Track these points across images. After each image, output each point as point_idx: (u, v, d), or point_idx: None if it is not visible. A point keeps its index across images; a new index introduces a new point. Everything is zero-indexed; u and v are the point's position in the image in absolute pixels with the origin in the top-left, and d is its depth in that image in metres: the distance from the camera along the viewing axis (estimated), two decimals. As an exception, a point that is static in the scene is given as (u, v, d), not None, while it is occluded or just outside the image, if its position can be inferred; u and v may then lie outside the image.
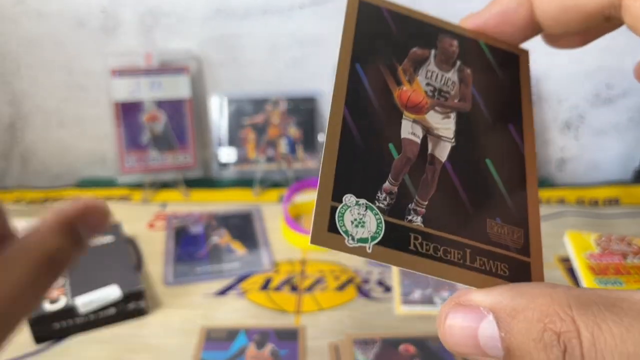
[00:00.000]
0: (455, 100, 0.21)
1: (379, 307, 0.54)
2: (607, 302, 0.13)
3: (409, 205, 0.18)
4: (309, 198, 0.73)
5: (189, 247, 0.66)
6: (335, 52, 0.70)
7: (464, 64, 0.21)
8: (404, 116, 0.20)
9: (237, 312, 0.55)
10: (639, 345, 0.12)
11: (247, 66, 0.80)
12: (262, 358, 0.49)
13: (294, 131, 0.80)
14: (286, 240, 0.66)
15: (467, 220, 0.19)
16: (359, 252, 0.18)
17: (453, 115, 0.20)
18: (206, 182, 0.82)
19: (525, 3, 0.21)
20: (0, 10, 0.77)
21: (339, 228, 0.17)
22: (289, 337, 0.51)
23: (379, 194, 0.18)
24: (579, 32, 0.22)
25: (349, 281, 0.58)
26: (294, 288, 0.57)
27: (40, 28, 0.78)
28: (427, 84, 0.21)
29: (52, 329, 0.53)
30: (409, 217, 0.18)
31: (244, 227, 0.70)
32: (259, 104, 0.80)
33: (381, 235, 0.18)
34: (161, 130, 0.79)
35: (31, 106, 0.83)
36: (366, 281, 0.57)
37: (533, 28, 0.22)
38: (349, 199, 0.18)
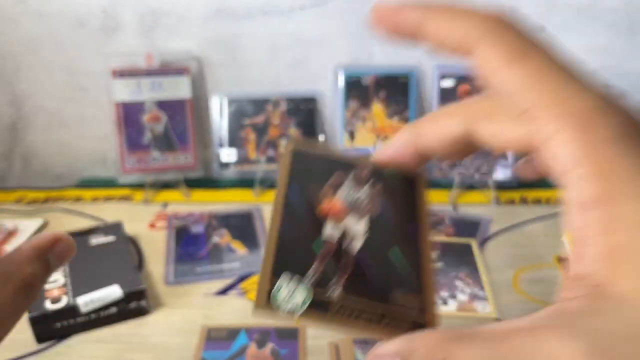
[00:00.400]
0: (368, 207, 0.27)
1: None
2: (473, 333, 0.19)
3: (332, 281, 0.24)
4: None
5: (189, 247, 0.67)
6: (335, 53, 0.70)
7: (375, 182, 0.28)
8: (325, 222, 0.26)
9: (238, 311, 0.56)
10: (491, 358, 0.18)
11: (248, 66, 0.80)
12: (262, 357, 0.49)
13: (294, 131, 0.81)
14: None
15: (377, 292, 0.25)
16: (289, 318, 0.22)
17: (365, 219, 0.27)
18: (207, 182, 0.82)
19: (411, 144, 0.27)
20: (1, 10, 0.77)
21: (274, 301, 0.23)
22: (289, 337, 0.51)
23: (308, 272, 0.24)
24: (452, 153, 0.27)
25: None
26: (294, 288, 0.57)
27: (41, 28, 0.78)
28: (344, 199, 0.28)
29: (53, 328, 0.53)
30: (331, 290, 0.24)
31: (244, 227, 0.70)
32: (260, 104, 0.80)
33: (307, 305, 0.23)
34: (162, 131, 0.80)
35: (32, 106, 0.83)
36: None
37: (423, 158, 0.27)
38: (285, 276, 0.23)
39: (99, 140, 0.84)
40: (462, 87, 0.77)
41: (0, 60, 0.80)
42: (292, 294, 0.23)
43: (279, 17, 0.77)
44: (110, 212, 0.73)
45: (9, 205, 0.76)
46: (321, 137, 0.81)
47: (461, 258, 0.60)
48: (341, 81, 0.78)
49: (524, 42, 0.21)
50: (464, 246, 0.63)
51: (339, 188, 0.28)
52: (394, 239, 0.27)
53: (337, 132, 0.79)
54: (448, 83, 0.77)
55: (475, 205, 0.74)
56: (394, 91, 0.78)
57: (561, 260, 0.60)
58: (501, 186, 0.76)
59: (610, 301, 0.17)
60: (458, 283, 0.56)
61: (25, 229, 0.68)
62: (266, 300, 0.23)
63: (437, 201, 0.75)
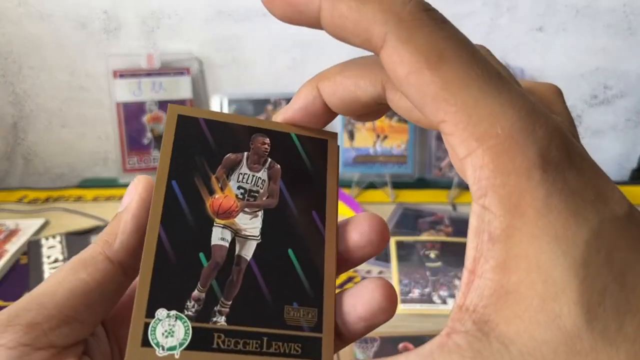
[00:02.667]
0: (264, 198, 0.23)
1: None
2: None
3: (215, 308, 0.21)
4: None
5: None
6: (334, 54, 0.70)
7: (275, 159, 0.24)
8: (214, 224, 0.22)
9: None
10: None
11: (248, 67, 0.81)
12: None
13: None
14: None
15: (266, 311, 0.22)
16: (168, 359, 0.20)
17: (261, 214, 0.23)
18: (207, 182, 0.82)
19: (318, 97, 0.24)
20: (3, 11, 0.78)
21: (151, 342, 0.20)
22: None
23: (187, 303, 0.21)
24: (365, 114, 0.24)
25: (349, 280, 0.58)
26: (294, 287, 0.58)
27: (43, 29, 0.78)
28: (239, 187, 0.23)
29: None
30: (214, 319, 0.21)
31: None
32: (260, 104, 0.81)
33: (188, 341, 0.20)
34: (162, 131, 0.80)
35: (33, 107, 0.84)
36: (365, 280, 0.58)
37: (331, 114, 0.24)
38: (160, 313, 0.20)
39: (100, 140, 0.85)
40: (461, 88, 0.78)
41: (2, 61, 0.81)
42: (171, 331, 0.20)
43: (279, 18, 0.77)
44: (111, 212, 0.73)
45: (10, 205, 0.77)
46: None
47: (460, 257, 0.61)
48: (341, 82, 0.79)
49: (440, 40, 0.17)
50: (463, 245, 0.63)
51: (232, 172, 0.23)
52: (293, 238, 0.23)
53: (337, 132, 0.80)
54: (447, 83, 0.78)
55: (474, 205, 0.74)
56: (394, 92, 0.79)
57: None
58: (500, 186, 0.76)
59: (494, 344, 0.16)
60: (457, 282, 0.56)
61: (27, 229, 0.68)
62: (142, 343, 0.20)
63: (437, 201, 0.75)
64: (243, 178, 0.23)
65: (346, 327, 0.22)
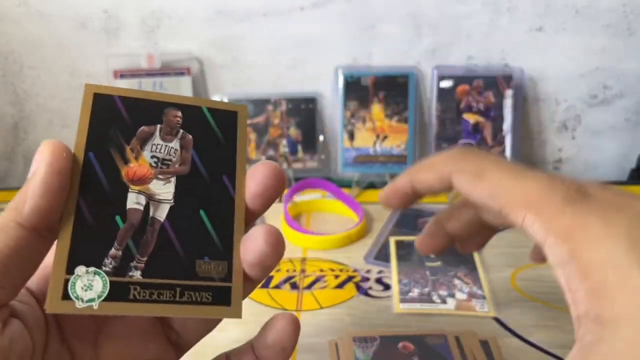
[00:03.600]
0: (177, 166, 0.25)
1: (378, 305, 0.54)
2: None
3: (131, 264, 0.23)
4: (309, 198, 0.74)
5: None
6: (334, 54, 0.70)
7: (187, 131, 0.25)
8: (130, 190, 0.24)
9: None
10: None
11: (248, 67, 0.81)
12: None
13: (294, 131, 0.81)
14: (286, 239, 0.66)
15: (179, 265, 0.23)
16: (87, 310, 0.22)
17: (173, 180, 0.25)
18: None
19: (409, 185, 0.35)
20: (3, 11, 0.78)
21: (70, 295, 0.22)
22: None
23: (105, 260, 0.22)
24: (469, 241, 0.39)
25: (349, 279, 0.58)
26: (294, 286, 0.58)
27: (43, 29, 0.79)
28: (152, 157, 0.25)
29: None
30: (130, 273, 0.23)
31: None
32: (260, 104, 0.81)
33: (106, 293, 0.22)
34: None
35: (34, 107, 0.84)
36: (365, 279, 0.58)
37: (417, 196, 0.35)
38: (79, 269, 0.22)
39: (100, 140, 0.85)
40: (460, 88, 0.78)
41: (2, 61, 0.81)
42: (89, 285, 0.22)
43: (279, 18, 0.77)
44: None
45: (11, 205, 0.77)
46: (321, 138, 0.82)
47: (460, 257, 0.61)
48: (341, 82, 0.79)
49: (479, 165, 0.30)
50: (462, 245, 0.64)
51: (146, 143, 0.25)
52: (204, 200, 0.25)
53: (337, 132, 0.80)
54: (447, 84, 0.78)
55: (473, 205, 0.74)
56: (394, 92, 0.79)
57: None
58: (500, 186, 0.76)
59: (609, 326, 0.22)
60: (457, 282, 0.56)
61: (28, 229, 0.68)
62: (62, 296, 0.21)
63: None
64: (156, 148, 0.25)
65: (247, 274, 0.25)
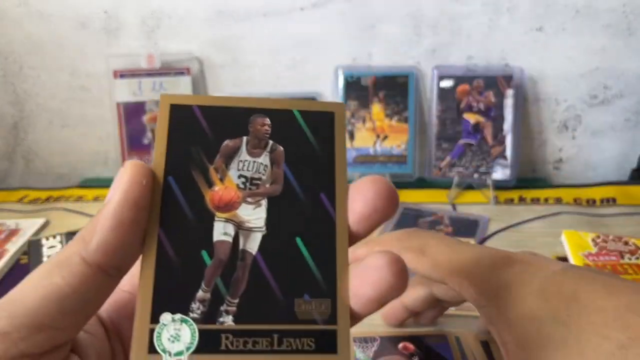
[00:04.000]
0: (267, 185, 0.21)
1: (378, 305, 0.54)
2: None
3: (221, 308, 0.20)
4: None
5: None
6: (335, 54, 0.70)
7: (277, 141, 0.22)
8: (216, 218, 0.21)
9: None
10: None
11: (248, 67, 0.81)
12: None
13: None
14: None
15: (276, 307, 0.20)
16: None
17: (264, 203, 0.21)
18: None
19: (400, 302, 0.45)
20: (3, 10, 0.78)
21: (157, 348, 0.19)
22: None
23: (192, 305, 0.20)
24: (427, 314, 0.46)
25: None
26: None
27: (43, 29, 0.79)
28: (240, 176, 0.21)
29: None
30: (221, 319, 0.20)
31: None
32: (260, 104, 0.81)
33: (195, 344, 0.19)
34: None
35: (34, 107, 0.84)
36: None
37: (410, 313, 0.45)
38: (165, 317, 0.19)
39: (101, 140, 0.85)
40: (460, 88, 0.78)
41: (2, 61, 0.81)
42: (177, 335, 0.19)
43: (278, 18, 0.77)
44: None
45: (11, 205, 0.77)
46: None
47: (460, 257, 0.61)
48: (341, 81, 0.79)
49: (421, 242, 0.36)
50: (462, 245, 0.64)
51: (231, 160, 0.21)
52: (300, 225, 0.21)
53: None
54: (447, 83, 0.78)
55: (473, 205, 0.74)
56: (394, 91, 0.79)
57: (559, 260, 0.61)
58: (500, 186, 0.76)
59: None
60: (457, 282, 0.56)
61: (27, 229, 0.68)
62: (148, 350, 0.19)
63: (436, 201, 0.75)
64: (243, 165, 0.21)
65: (356, 310, 0.21)
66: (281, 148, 0.22)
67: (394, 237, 0.38)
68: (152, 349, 0.19)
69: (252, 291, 0.20)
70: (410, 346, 0.44)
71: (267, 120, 0.22)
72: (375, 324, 0.51)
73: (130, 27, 0.78)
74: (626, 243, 0.60)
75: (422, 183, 0.79)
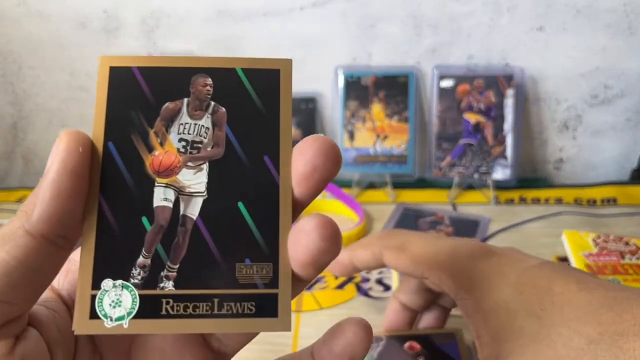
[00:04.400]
0: (208, 149, 0.21)
1: (378, 306, 0.54)
2: None
3: (162, 273, 0.20)
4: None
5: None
6: (334, 54, 0.69)
7: (220, 102, 0.21)
8: (156, 184, 0.20)
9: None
10: None
11: (248, 67, 0.81)
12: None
13: (294, 131, 0.81)
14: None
15: (216, 271, 0.20)
16: (117, 330, 0.19)
17: (206, 166, 0.21)
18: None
19: (349, 260, 0.43)
20: (2, 10, 0.78)
21: (98, 313, 0.19)
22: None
23: (133, 271, 0.20)
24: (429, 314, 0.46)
25: (349, 280, 0.58)
26: (294, 287, 0.57)
27: (42, 29, 0.78)
28: (180, 140, 0.21)
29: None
30: (161, 285, 0.20)
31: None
32: (260, 104, 0.81)
33: (136, 310, 0.19)
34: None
35: (33, 106, 0.84)
36: (366, 280, 0.58)
37: (355, 269, 0.43)
38: (106, 283, 0.19)
39: (100, 140, 0.84)
40: (460, 87, 0.78)
41: (2, 60, 0.81)
42: (118, 301, 0.19)
43: (279, 18, 0.77)
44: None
45: (10, 205, 0.77)
46: (321, 137, 0.82)
47: (460, 257, 0.60)
48: (341, 81, 0.79)
49: (401, 242, 0.38)
50: (463, 246, 0.63)
51: (172, 123, 0.21)
52: (243, 190, 0.21)
53: (337, 132, 0.80)
54: (447, 83, 0.78)
55: (474, 205, 0.74)
56: (394, 91, 0.79)
57: (560, 260, 0.61)
58: (500, 186, 0.76)
59: None
60: (457, 282, 0.56)
61: (27, 229, 0.68)
62: (89, 315, 0.19)
63: (437, 201, 0.75)
64: (184, 128, 0.21)
65: (298, 274, 0.21)
66: (223, 109, 0.21)
67: (374, 237, 0.40)
68: (93, 315, 0.19)
69: (192, 256, 0.20)
70: (417, 346, 0.43)
71: (209, 80, 0.21)
72: (375, 323, 0.51)
73: (130, 27, 0.78)
74: (627, 243, 0.60)
75: (422, 183, 0.79)
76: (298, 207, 0.22)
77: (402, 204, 0.73)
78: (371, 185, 0.79)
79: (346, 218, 0.71)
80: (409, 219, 0.70)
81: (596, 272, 0.55)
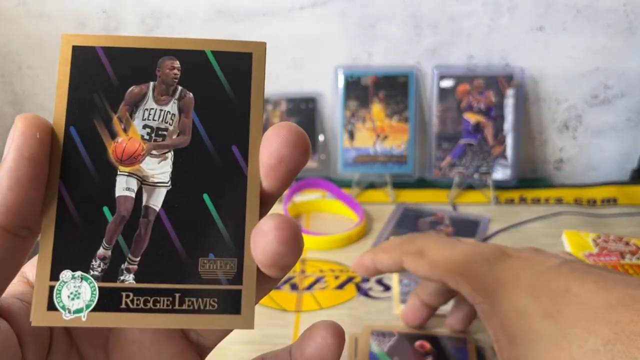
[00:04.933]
0: (174, 137, 0.20)
1: (378, 306, 0.54)
2: None
3: (122, 266, 0.19)
4: (309, 198, 0.74)
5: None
6: (334, 54, 0.69)
7: (187, 87, 0.20)
8: (118, 172, 0.20)
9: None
10: None
11: (248, 67, 0.81)
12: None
13: (294, 131, 0.81)
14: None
15: (179, 266, 0.19)
16: (75, 322, 0.19)
17: (170, 155, 0.20)
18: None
19: (372, 262, 0.44)
20: (2, 10, 0.77)
21: (56, 305, 0.19)
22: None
23: (93, 263, 0.19)
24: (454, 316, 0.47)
25: (349, 280, 0.58)
26: (294, 287, 0.57)
27: (42, 28, 0.78)
28: (144, 126, 0.20)
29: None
30: (122, 277, 0.19)
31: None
32: (259, 104, 0.80)
33: (95, 302, 0.19)
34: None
35: (33, 106, 0.83)
36: (366, 280, 0.58)
37: (378, 272, 0.44)
38: (65, 274, 0.19)
39: (100, 140, 0.84)
40: (461, 87, 0.77)
41: (1, 60, 0.81)
42: (77, 293, 0.19)
43: (278, 18, 0.77)
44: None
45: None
46: (321, 137, 0.82)
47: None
48: (341, 81, 0.79)
49: (420, 247, 0.38)
50: (463, 246, 0.63)
51: (137, 108, 0.20)
52: (209, 181, 0.20)
53: (337, 132, 0.80)
54: (447, 83, 0.78)
55: (474, 205, 0.74)
56: (394, 91, 0.79)
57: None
58: (500, 186, 0.76)
59: None
60: (457, 282, 0.56)
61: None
62: (47, 307, 0.19)
63: (437, 201, 0.75)
64: (149, 114, 0.20)
65: (262, 272, 0.20)
66: (191, 95, 0.20)
67: (396, 242, 0.41)
68: (51, 306, 0.19)
69: (154, 249, 0.19)
70: (427, 345, 0.44)
71: (177, 63, 0.20)
72: (375, 323, 0.51)
73: (129, 27, 0.78)
74: (627, 243, 0.60)
75: (422, 183, 0.79)
76: (266, 200, 0.21)
77: (402, 204, 0.73)
78: (371, 185, 0.79)
79: (346, 218, 0.71)
80: (409, 219, 0.70)
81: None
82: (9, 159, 0.18)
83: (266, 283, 0.21)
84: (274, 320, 0.53)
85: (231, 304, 0.20)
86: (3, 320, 0.20)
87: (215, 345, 0.25)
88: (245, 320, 0.20)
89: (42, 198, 0.19)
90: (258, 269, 0.20)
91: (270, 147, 0.19)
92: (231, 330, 0.24)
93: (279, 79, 0.81)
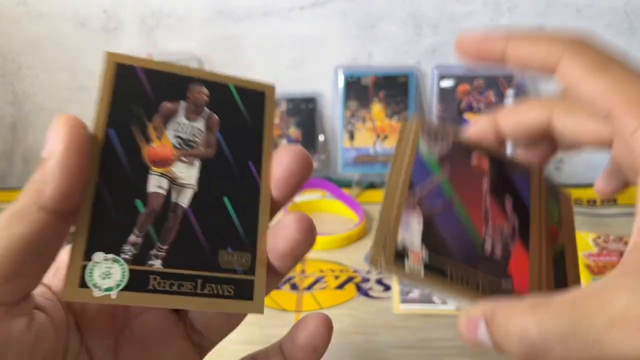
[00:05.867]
0: (201, 148, 0.23)
1: (378, 305, 0.54)
2: (547, 301, 0.20)
3: (151, 252, 0.22)
4: (309, 198, 0.74)
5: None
6: (334, 53, 0.70)
7: (213, 110, 0.24)
8: (151, 171, 0.22)
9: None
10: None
11: (248, 67, 0.81)
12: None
13: (294, 131, 0.81)
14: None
15: (201, 255, 0.22)
16: (104, 299, 0.21)
17: (197, 163, 0.23)
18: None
19: (492, 126, 0.28)
20: (1, 10, 0.77)
21: (88, 283, 0.20)
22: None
23: (125, 247, 0.21)
24: (531, 144, 0.29)
25: (349, 280, 0.58)
26: (294, 287, 0.57)
27: (42, 28, 0.78)
28: (176, 136, 0.23)
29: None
30: (150, 262, 0.22)
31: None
32: (260, 104, 0.81)
33: (124, 282, 0.21)
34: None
35: (33, 106, 0.83)
36: (366, 280, 0.58)
37: (501, 140, 0.29)
38: (97, 256, 0.21)
39: (100, 140, 0.84)
40: (461, 87, 0.77)
41: (1, 60, 0.81)
42: (108, 273, 0.21)
43: (278, 18, 0.77)
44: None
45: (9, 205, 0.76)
46: (321, 137, 0.82)
47: (460, 257, 0.60)
48: (341, 81, 0.79)
49: (602, 57, 0.23)
50: (463, 246, 0.63)
51: (169, 121, 0.23)
52: (229, 187, 0.23)
53: (337, 132, 0.80)
54: (447, 83, 0.78)
55: (474, 205, 0.74)
56: (394, 91, 0.79)
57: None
58: (500, 186, 0.76)
59: None
60: (457, 282, 0.56)
61: (26, 229, 0.68)
62: (79, 284, 0.20)
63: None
64: (180, 128, 0.23)
65: (275, 265, 0.24)
66: (216, 116, 0.24)
67: (559, 40, 0.25)
68: (83, 284, 0.20)
69: (180, 240, 0.22)
70: (485, 163, 0.32)
71: (205, 90, 0.24)
72: (375, 323, 0.51)
73: (129, 27, 0.78)
74: (627, 243, 0.60)
75: (422, 183, 0.79)
76: (275, 207, 0.25)
77: (402, 204, 0.73)
78: (371, 185, 0.79)
79: (346, 218, 0.71)
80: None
81: (596, 273, 0.55)
82: (59, 151, 0.21)
83: (273, 278, 0.24)
84: (274, 320, 0.53)
85: (245, 291, 0.23)
86: (42, 313, 0.21)
87: (214, 345, 0.27)
88: (257, 305, 0.23)
89: (85, 187, 0.21)
90: (268, 263, 0.23)
91: (282, 164, 0.24)
92: (233, 329, 0.26)
93: (278, 79, 0.81)
